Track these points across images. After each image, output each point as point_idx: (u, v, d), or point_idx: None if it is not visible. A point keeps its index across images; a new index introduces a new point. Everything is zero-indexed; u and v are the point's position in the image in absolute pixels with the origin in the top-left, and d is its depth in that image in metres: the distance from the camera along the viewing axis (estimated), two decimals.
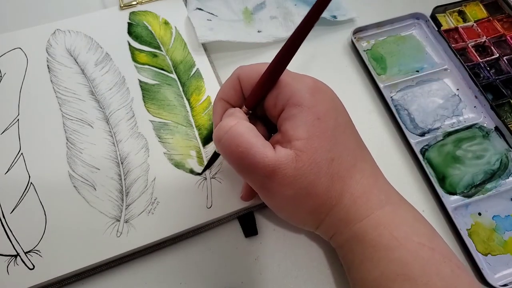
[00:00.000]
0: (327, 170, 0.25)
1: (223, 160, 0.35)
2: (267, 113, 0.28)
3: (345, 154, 0.26)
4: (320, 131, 0.25)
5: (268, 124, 0.30)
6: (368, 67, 0.42)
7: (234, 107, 0.29)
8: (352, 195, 0.26)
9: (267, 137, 0.30)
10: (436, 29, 0.44)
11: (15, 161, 0.35)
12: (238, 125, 0.25)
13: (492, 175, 0.37)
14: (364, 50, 0.44)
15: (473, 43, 0.44)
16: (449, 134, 0.39)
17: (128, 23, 0.43)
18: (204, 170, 0.35)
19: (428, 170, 0.36)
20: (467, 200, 0.36)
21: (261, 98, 0.27)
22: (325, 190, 0.25)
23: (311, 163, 0.24)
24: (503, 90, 0.41)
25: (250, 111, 0.28)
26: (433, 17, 0.45)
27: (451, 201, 0.36)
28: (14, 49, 0.40)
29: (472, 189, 0.36)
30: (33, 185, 0.33)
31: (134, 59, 0.41)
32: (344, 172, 0.26)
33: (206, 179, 0.34)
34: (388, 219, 0.25)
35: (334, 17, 0.45)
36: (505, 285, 0.32)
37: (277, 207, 0.28)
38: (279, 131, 0.26)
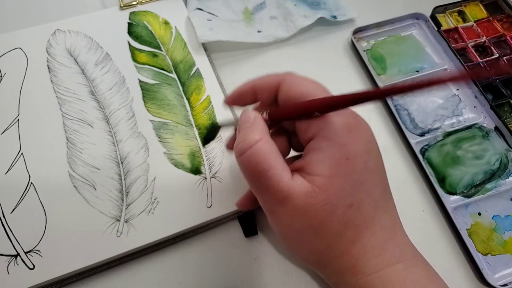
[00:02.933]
0: (343, 215, 0.23)
1: (223, 159, 0.35)
2: (297, 131, 0.26)
3: (366, 202, 0.24)
4: (345, 172, 0.23)
5: (290, 134, 0.29)
6: (368, 67, 0.42)
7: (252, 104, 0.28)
8: (364, 247, 0.24)
9: (287, 147, 0.29)
10: (436, 29, 0.44)
11: (15, 161, 0.35)
12: (262, 143, 0.24)
13: (492, 175, 0.37)
14: (364, 50, 0.44)
15: (473, 43, 0.44)
16: (449, 134, 0.39)
17: (128, 23, 0.43)
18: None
19: (428, 170, 0.36)
20: (467, 200, 0.36)
21: (292, 119, 0.26)
22: (335, 234, 0.24)
23: (326, 203, 0.23)
24: (503, 90, 0.41)
25: (272, 122, 0.26)
26: (433, 17, 0.45)
27: (451, 201, 0.36)
28: (14, 49, 0.40)
29: (472, 189, 0.36)
30: (33, 185, 0.34)
31: (134, 59, 0.41)
32: (360, 221, 0.24)
33: (206, 178, 0.34)
34: (399, 278, 0.23)
35: (334, 17, 0.45)
36: (505, 285, 0.32)
37: (281, 235, 0.26)
38: (303, 158, 0.25)
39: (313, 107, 0.23)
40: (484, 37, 0.44)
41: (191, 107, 0.38)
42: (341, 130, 0.24)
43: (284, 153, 0.29)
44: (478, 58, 0.43)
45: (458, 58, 0.42)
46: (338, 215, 0.23)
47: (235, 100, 0.28)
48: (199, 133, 0.37)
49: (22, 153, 0.35)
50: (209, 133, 0.37)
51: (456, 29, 0.45)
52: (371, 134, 0.26)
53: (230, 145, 0.29)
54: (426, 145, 0.38)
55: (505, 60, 0.43)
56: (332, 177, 0.23)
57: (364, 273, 0.24)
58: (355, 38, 0.44)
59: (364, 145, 0.24)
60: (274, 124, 0.27)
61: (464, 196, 0.36)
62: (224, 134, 0.36)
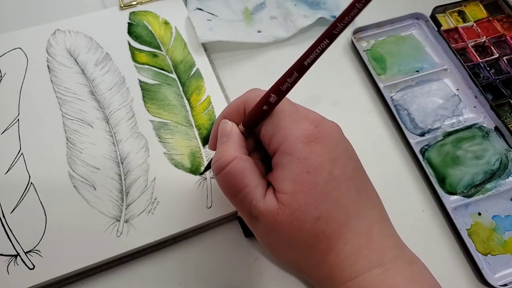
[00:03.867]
0: (311, 228, 0.23)
1: None
2: (263, 144, 0.26)
3: (335, 212, 0.23)
4: (307, 186, 0.23)
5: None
6: (368, 67, 0.42)
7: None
8: (338, 256, 0.24)
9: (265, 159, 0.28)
10: (436, 29, 0.44)
11: (15, 161, 0.35)
12: (237, 161, 0.24)
13: (492, 175, 0.37)
14: (364, 50, 0.44)
15: (473, 43, 0.44)
16: (449, 134, 0.39)
17: (128, 23, 0.43)
18: (204, 171, 0.35)
19: (428, 170, 0.36)
20: (467, 200, 0.36)
21: (255, 123, 0.26)
22: (308, 247, 0.24)
23: (293, 220, 0.23)
24: (503, 90, 0.41)
25: (247, 131, 0.26)
26: (433, 17, 0.45)
27: (451, 201, 0.36)
28: (14, 49, 0.40)
29: (472, 189, 0.36)
30: (33, 185, 0.34)
31: (134, 59, 0.41)
32: (331, 232, 0.23)
33: (206, 179, 0.34)
34: (375, 283, 0.23)
35: (334, 17, 0.45)
36: (504, 285, 0.32)
37: (263, 244, 0.27)
38: (272, 173, 0.25)
39: (268, 92, 0.24)
40: (484, 37, 0.44)
41: (191, 107, 0.38)
42: (299, 144, 0.23)
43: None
44: (478, 58, 0.43)
45: (458, 58, 0.42)
46: (307, 229, 0.23)
47: (227, 116, 0.28)
48: (199, 133, 0.37)
49: (22, 153, 0.35)
50: (209, 134, 0.36)
51: (456, 29, 0.45)
52: (336, 139, 0.25)
53: (211, 147, 0.29)
54: (426, 145, 0.38)
55: (505, 60, 0.43)
56: (295, 193, 0.23)
57: (341, 281, 0.24)
58: (355, 38, 0.44)
59: (326, 155, 0.24)
60: (250, 133, 0.27)
61: (464, 196, 0.36)
62: None
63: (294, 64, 0.23)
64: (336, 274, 0.24)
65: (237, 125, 0.26)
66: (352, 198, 0.24)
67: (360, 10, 0.19)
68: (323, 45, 0.21)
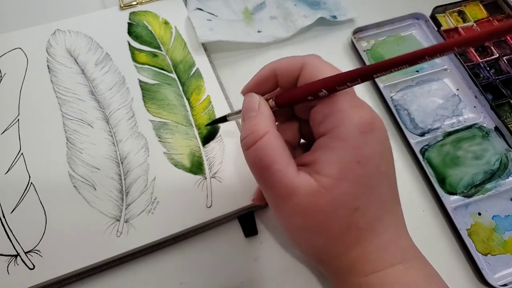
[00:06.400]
0: (346, 218, 0.23)
1: (223, 159, 0.35)
2: (310, 123, 0.25)
3: (374, 206, 0.23)
4: (354, 176, 0.22)
5: (301, 122, 0.28)
6: None
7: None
8: (365, 249, 0.23)
9: (297, 136, 0.28)
10: (436, 29, 0.44)
11: (15, 161, 0.35)
12: (269, 136, 0.23)
13: (492, 175, 0.37)
14: (364, 50, 0.44)
15: None
16: (449, 134, 0.39)
17: (128, 23, 0.43)
18: (210, 124, 0.36)
19: (428, 170, 0.36)
20: (467, 200, 0.36)
21: (291, 105, 0.25)
22: (337, 235, 0.23)
23: (330, 205, 0.22)
24: (503, 90, 0.41)
25: (276, 108, 0.25)
26: (433, 17, 0.45)
27: (451, 201, 0.36)
28: (14, 49, 0.40)
29: (472, 189, 0.36)
30: (33, 185, 0.33)
31: (134, 59, 0.41)
32: (364, 224, 0.23)
33: (206, 178, 0.34)
34: (398, 278, 0.23)
35: (334, 17, 0.45)
36: (505, 285, 0.32)
37: (284, 227, 0.26)
38: (312, 154, 0.24)
39: (320, 85, 0.23)
40: None
41: (191, 107, 0.38)
42: (355, 131, 0.22)
43: (294, 143, 0.29)
44: (478, 58, 0.43)
45: (458, 58, 0.42)
46: (341, 218, 0.23)
47: (254, 88, 0.27)
48: (199, 133, 0.37)
49: (22, 153, 0.35)
50: (209, 133, 0.36)
51: (456, 29, 0.45)
52: (385, 134, 0.24)
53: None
54: (426, 145, 0.38)
55: (505, 60, 0.43)
56: (340, 180, 0.22)
57: (362, 273, 0.23)
58: (355, 38, 0.44)
59: (377, 147, 0.23)
60: (281, 111, 0.26)
61: (464, 196, 0.36)
62: (224, 134, 0.36)
63: (360, 70, 0.22)
64: (358, 266, 0.24)
65: (267, 100, 0.25)
66: (390, 195, 0.24)
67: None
68: (402, 66, 0.20)
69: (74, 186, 0.34)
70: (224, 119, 0.31)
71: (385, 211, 0.24)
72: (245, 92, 0.27)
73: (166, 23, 0.43)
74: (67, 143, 0.36)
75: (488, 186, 0.36)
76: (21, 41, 0.41)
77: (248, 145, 0.24)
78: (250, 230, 0.33)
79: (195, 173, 0.35)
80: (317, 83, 0.23)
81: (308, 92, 0.24)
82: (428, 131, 0.39)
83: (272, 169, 0.23)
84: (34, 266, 0.30)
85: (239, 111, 0.27)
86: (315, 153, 0.24)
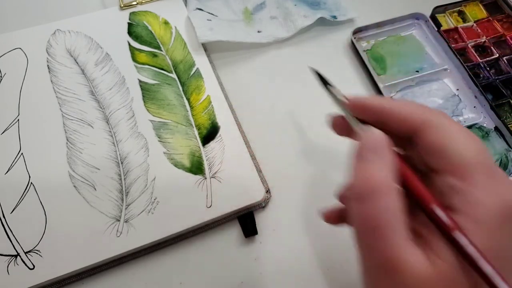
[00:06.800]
0: None
1: (223, 159, 0.35)
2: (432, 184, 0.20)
3: None
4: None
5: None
6: (368, 67, 0.42)
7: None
8: None
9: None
10: (436, 29, 0.44)
11: (15, 161, 0.35)
12: (391, 198, 0.19)
13: None
14: (364, 50, 0.44)
15: (473, 43, 0.44)
16: None
17: (128, 23, 0.43)
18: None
19: None
20: None
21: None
22: None
23: None
24: (503, 90, 0.41)
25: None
26: (433, 17, 0.45)
27: None
28: (14, 49, 0.40)
29: None
30: (33, 185, 0.34)
31: (134, 59, 0.41)
32: None
33: (206, 178, 0.34)
34: None
35: (334, 17, 0.45)
36: None
37: None
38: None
39: (423, 200, 0.19)
40: (484, 37, 0.44)
41: (191, 107, 0.38)
42: (494, 217, 0.18)
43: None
44: (478, 58, 0.43)
45: (458, 58, 0.42)
46: None
47: (357, 109, 0.23)
48: (199, 133, 0.37)
49: (22, 153, 0.35)
50: (209, 133, 0.36)
51: (456, 29, 0.45)
52: None
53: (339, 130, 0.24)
54: None
55: (505, 60, 0.43)
56: (460, 269, 0.18)
57: None
58: (355, 38, 0.44)
59: (510, 242, 0.19)
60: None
61: None
62: (224, 133, 0.36)
63: None
64: None
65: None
66: None
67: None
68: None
69: (74, 186, 0.34)
70: (326, 83, 0.26)
71: None
72: (353, 109, 0.23)
73: (166, 23, 0.43)
74: (67, 143, 0.36)
75: None
76: (21, 41, 0.41)
77: (363, 198, 0.19)
78: (250, 230, 0.33)
79: (195, 173, 0.35)
80: (429, 205, 0.19)
81: (423, 201, 0.19)
82: None
83: (381, 233, 0.19)
84: (34, 266, 0.30)
85: (343, 101, 0.23)
86: (428, 228, 0.19)
